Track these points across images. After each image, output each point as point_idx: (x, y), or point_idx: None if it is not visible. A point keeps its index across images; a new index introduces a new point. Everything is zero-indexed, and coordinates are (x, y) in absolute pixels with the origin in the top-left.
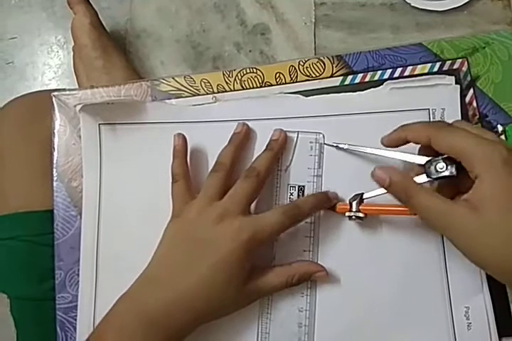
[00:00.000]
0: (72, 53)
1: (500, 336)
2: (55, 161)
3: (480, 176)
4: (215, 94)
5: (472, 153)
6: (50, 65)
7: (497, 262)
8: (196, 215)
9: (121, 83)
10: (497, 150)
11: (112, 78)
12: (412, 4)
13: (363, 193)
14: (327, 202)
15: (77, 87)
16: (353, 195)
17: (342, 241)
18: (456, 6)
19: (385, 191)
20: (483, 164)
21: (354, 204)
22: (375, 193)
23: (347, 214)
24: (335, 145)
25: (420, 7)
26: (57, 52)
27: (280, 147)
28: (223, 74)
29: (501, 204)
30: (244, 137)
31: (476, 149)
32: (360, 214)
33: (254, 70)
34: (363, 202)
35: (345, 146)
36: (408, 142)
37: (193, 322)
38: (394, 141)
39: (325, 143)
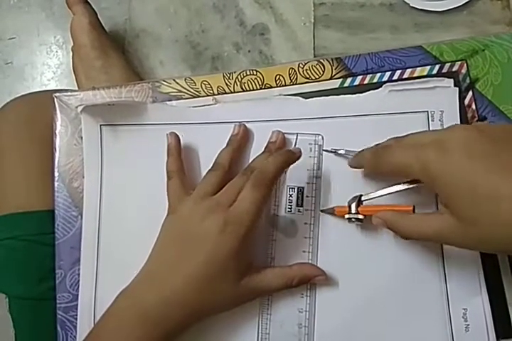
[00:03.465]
0: (71, 53)
1: (498, 337)
2: (56, 162)
3: (430, 184)
4: (215, 96)
5: (408, 171)
6: (49, 65)
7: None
8: (189, 209)
9: (123, 84)
10: (423, 158)
11: (110, 78)
12: (411, 4)
13: (361, 195)
14: (290, 157)
15: (76, 86)
16: (352, 197)
17: (341, 242)
18: (455, 6)
19: (384, 193)
20: (421, 175)
21: (353, 206)
22: (374, 195)
23: (346, 216)
24: (333, 151)
25: (419, 7)
26: (56, 52)
27: (278, 148)
28: (223, 76)
29: (463, 205)
30: (241, 138)
31: (408, 164)
32: (360, 216)
33: (254, 72)
34: (361, 203)
35: (344, 152)
36: None
37: (189, 317)
38: (356, 166)
39: (324, 150)
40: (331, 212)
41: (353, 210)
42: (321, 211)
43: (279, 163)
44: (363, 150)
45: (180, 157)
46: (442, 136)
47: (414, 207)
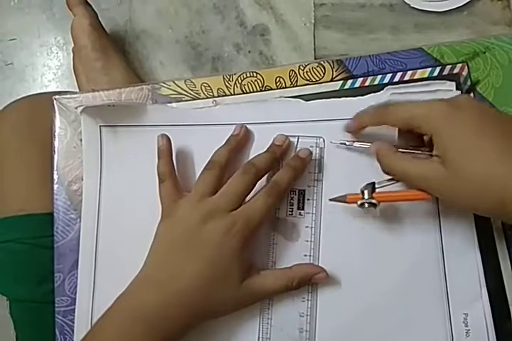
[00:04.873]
0: (71, 54)
1: None
2: (55, 164)
3: (432, 134)
4: (215, 98)
5: (416, 120)
6: (49, 66)
7: (473, 203)
8: (187, 212)
9: (122, 86)
10: (435, 108)
11: (111, 79)
12: (412, 5)
13: (374, 182)
14: (302, 165)
15: (76, 88)
16: (365, 184)
17: (343, 245)
18: (455, 6)
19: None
20: (428, 124)
21: (366, 192)
22: (387, 183)
23: (359, 202)
24: (339, 142)
25: (420, 8)
26: (57, 53)
27: (282, 153)
28: (223, 78)
29: (457, 151)
30: (241, 139)
31: (418, 114)
32: (374, 201)
33: (255, 74)
34: (374, 191)
35: (353, 144)
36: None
37: (190, 319)
38: (353, 128)
39: (331, 142)
40: (342, 199)
41: (367, 196)
42: (330, 200)
43: (292, 175)
44: (362, 111)
45: (171, 159)
46: (453, 97)
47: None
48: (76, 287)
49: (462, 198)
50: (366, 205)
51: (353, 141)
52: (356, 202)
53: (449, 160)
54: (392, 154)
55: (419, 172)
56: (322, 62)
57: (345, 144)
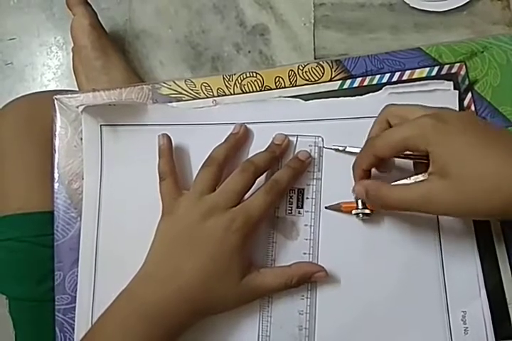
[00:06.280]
0: (71, 54)
1: (499, 339)
2: (56, 163)
3: (429, 151)
4: (215, 98)
5: (411, 140)
6: (49, 66)
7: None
8: (186, 210)
9: (123, 86)
10: (426, 125)
11: (111, 79)
12: (411, 5)
13: None
14: (302, 167)
15: (76, 87)
16: None
17: (342, 244)
18: (455, 6)
19: None
20: (424, 142)
21: (360, 201)
22: None
23: (354, 212)
24: (334, 147)
25: (419, 8)
26: (57, 53)
27: (281, 152)
28: (223, 78)
29: (456, 164)
30: (240, 138)
31: (411, 135)
32: (367, 211)
33: (254, 74)
34: None
35: (346, 148)
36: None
37: (191, 316)
38: (358, 178)
39: (324, 147)
40: (337, 208)
41: (361, 205)
42: (326, 208)
43: (292, 174)
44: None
45: (172, 158)
46: (436, 110)
47: None
48: (76, 285)
49: (466, 202)
50: (361, 215)
51: (346, 146)
52: (350, 212)
53: (450, 169)
54: (383, 186)
55: (419, 193)
56: (321, 62)
57: (338, 150)
